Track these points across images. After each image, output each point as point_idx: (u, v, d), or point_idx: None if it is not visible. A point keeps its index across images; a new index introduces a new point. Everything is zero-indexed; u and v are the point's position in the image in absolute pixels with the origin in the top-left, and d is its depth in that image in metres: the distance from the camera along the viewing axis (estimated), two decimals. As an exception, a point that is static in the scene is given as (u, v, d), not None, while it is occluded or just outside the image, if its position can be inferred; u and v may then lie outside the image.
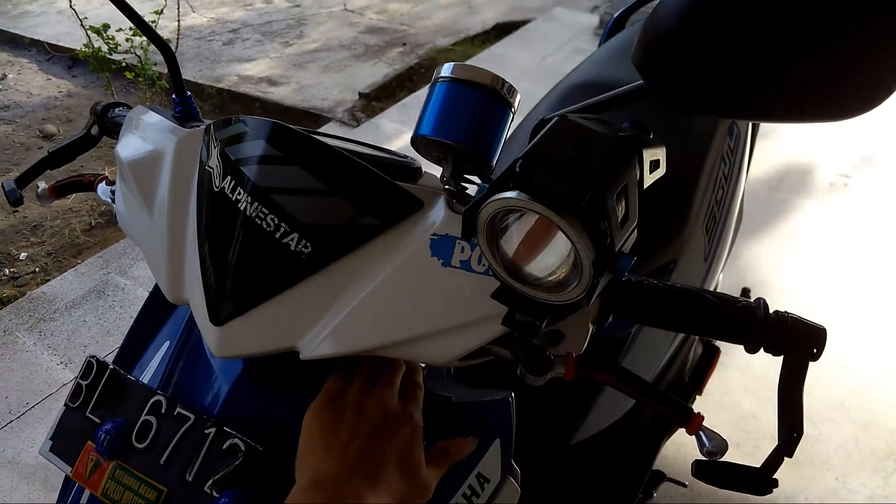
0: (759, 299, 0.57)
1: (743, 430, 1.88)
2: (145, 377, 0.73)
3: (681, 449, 1.80)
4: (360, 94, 3.92)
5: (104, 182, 0.90)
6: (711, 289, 1.39)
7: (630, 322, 0.78)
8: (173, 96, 0.79)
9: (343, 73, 4.25)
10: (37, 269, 2.67)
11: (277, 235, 0.58)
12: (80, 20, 3.14)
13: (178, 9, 3.56)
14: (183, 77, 0.80)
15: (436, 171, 0.65)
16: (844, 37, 0.41)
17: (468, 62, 4.16)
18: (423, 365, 0.68)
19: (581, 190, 0.41)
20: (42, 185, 0.98)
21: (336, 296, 0.59)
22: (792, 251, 2.58)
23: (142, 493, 0.61)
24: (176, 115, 0.78)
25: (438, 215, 0.58)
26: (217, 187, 0.61)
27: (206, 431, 0.61)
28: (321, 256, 0.58)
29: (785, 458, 0.55)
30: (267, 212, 0.58)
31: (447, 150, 0.59)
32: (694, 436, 0.58)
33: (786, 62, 0.42)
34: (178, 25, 3.59)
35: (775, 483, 0.55)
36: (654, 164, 0.47)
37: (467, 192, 0.61)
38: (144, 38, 3.07)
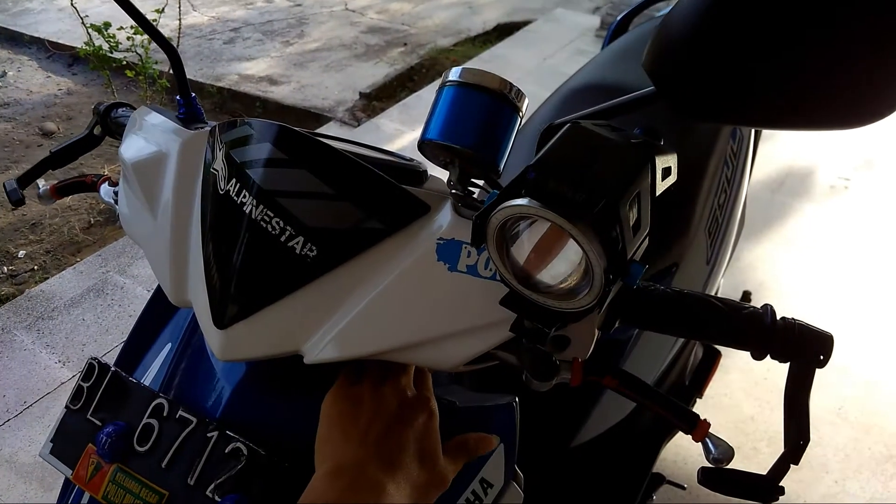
0: (765, 306, 0.56)
1: (742, 433, 1.88)
2: (147, 379, 0.73)
3: (680, 451, 1.80)
4: (360, 93, 3.91)
5: (107, 183, 0.90)
6: (713, 292, 1.39)
7: (636, 327, 0.78)
8: (177, 97, 0.78)
9: (344, 72, 4.25)
10: (35, 268, 2.67)
11: (283, 239, 0.57)
12: (81, 18, 3.14)
13: (180, 7, 3.55)
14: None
15: (441, 174, 0.64)
16: (856, 46, 0.41)
17: (470, 63, 4.17)
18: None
19: (594, 198, 0.40)
20: (44, 184, 0.97)
21: (341, 300, 0.59)
22: (792, 254, 2.58)
23: (143, 497, 0.61)
24: (180, 117, 0.78)
25: (445, 219, 0.58)
26: (222, 190, 0.60)
27: (209, 435, 0.60)
28: (326, 260, 0.58)
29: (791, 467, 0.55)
30: (272, 215, 0.57)
31: (454, 154, 0.58)
32: (700, 442, 0.58)
33: (799, 70, 0.42)
34: (180, 24, 3.59)
35: (781, 490, 0.54)
36: (666, 172, 0.46)
37: (474, 196, 0.61)
38: (145, 37, 3.07)
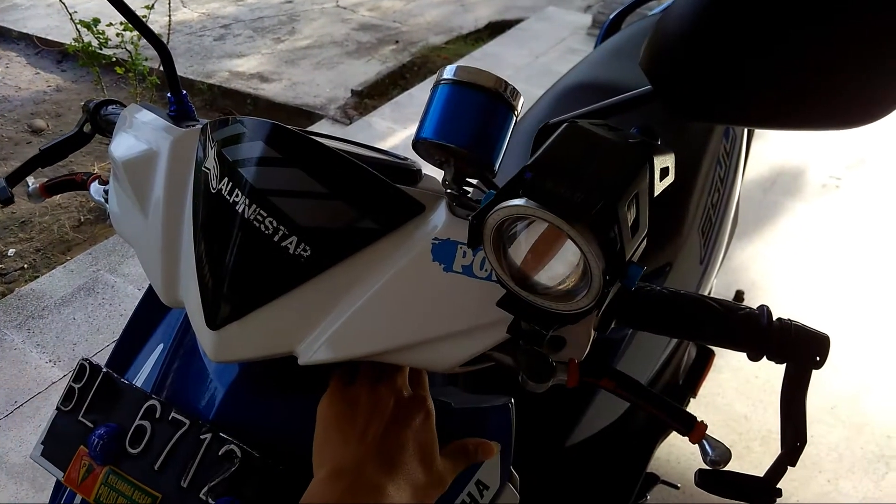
0: (762, 307, 0.56)
1: (735, 432, 1.89)
2: (139, 380, 0.72)
3: (673, 451, 1.81)
4: (352, 91, 3.90)
5: (97, 181, 0.89)
6: (706, 292, 1.39)
7: (632, 328, 0.78)
8: (168, 95, 0.78)
9: (335, 70, 4.23)
10: (25, 266, 2.65)
11: (276, 238, 0.57)
12: (70, 14, 3.11)
13: (170, 4, 3.52)
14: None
15: (436, 173, 0.64)
16: (852, 46, 0.41)
17: (461, 61, 4.16)
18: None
19: (592, 198, 0.40)
20: (33, 182, 0.96)
21: (335, 300, 0.58)
22: (785, 253, 2.59)
23: (135, 500, 0.60)
24: (171, 114, 0.77)
25: (440, 219, 0.58)
26: (214, 188, 0.60)
27: (202, 437, 0.60)
28: (320, 260, 0.57)
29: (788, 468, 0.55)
30: (265, 214, 0.57)
31: (449, 153, 0.58)
32: (697, 444, 0.57)
33: (796, 70, 0.42)
34: (170, 20, 3.56)
35: (779, 492, 0.54)
36: (664, 172, 0.46)
37: (469, 195, 0.60)
38: (135, 33, 3.05)
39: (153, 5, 3.06)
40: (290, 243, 0.57)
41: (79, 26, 3.05)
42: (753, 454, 1.81)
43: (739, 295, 1.95)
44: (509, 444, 0.70)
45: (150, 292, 0.78)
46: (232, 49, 4.56)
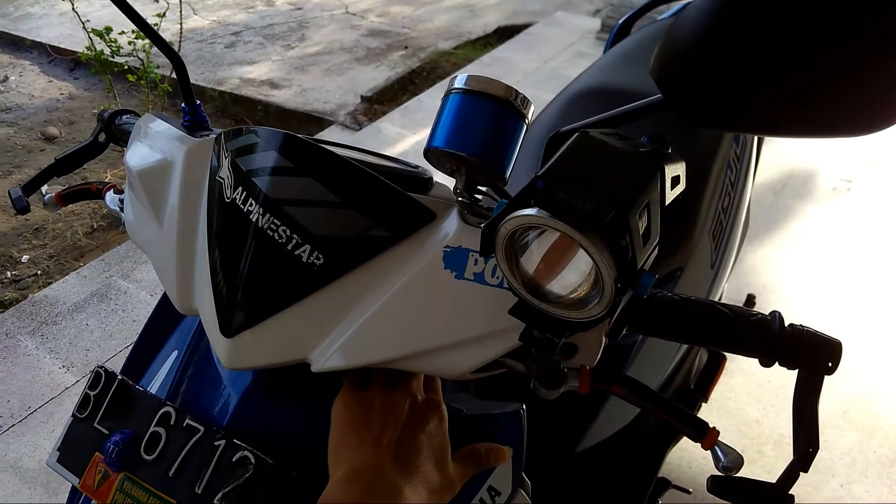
0: (773, 312, 0.56)
1: (747, 436, 1.88)
2: (153, 387, 0.73)
3: (685, 455, 1.80)
4: (361, 97, 3.92)
5: (112, 190, 0.90)
6: (717, 296, 1.39)
7: (643, 334, 0.78)
8: (182, 105, 0.78)
9: (345, 76, 4.25)
10: (39, 272, 2.67)
11: (289, 247, 0.57)
12: (83, 22, 3.14)
13: (181, 12, 3.55)
14: None
15: (447, 181, 0.64)
16: (864, 53, 0.41)
17: (470, 66, 4.17)
18: None
19: (603, 207, 0.40)
20: (48, 191, 0.97)
21: (348, 308, 0.59)
22: (796, 256, 2.58)
23: None
24: (185, 124, 0.78)
25: (451, 227, 0.58)
26: (228, 198, 0.60)
27: (216, 443, 0.60)
28: (333, 268, 0.58)
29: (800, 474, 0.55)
30: (279, 223, 0.57)
31: (461, 162, 0.58)
32: (709, 450, 0.57)
33: (807, 79, 0.42)
34: (181, 28, 3.59)
35: (791, 499, 0.54)
36: (675, 180, 0.46)
37: (480, 203, 0.61)
38: (147, 41, 3.07)
39: (164, 13, 3.08)
40: (304, 252, 0.57)
41: (91, 35, 3.08)
42: (766, 458, 1.80)
43: (751, 299, 1.94)
44: (521, 451, 0.70)
45: (164, 300, 0.79)
46: (242, 56, 4.59)
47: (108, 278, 2.45)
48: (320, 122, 3.71)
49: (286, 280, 0.58)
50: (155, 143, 0.74)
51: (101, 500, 0.63)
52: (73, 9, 3.12)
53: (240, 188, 0.60)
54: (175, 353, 0.75)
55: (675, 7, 1.94)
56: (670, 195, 0.46)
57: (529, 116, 0.60)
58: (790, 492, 0.54)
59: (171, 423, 0.63)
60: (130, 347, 0.79)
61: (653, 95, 0.54)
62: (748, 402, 1.98)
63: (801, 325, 0.55)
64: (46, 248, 2.81)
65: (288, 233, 0.57)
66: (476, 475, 0.62)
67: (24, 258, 2.75)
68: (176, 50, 0.77)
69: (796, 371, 0.55)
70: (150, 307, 2.32)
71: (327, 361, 0.58)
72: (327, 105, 3.86)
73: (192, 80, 0.79)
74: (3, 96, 4.20)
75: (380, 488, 0.52)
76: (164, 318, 0.79)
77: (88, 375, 0.69)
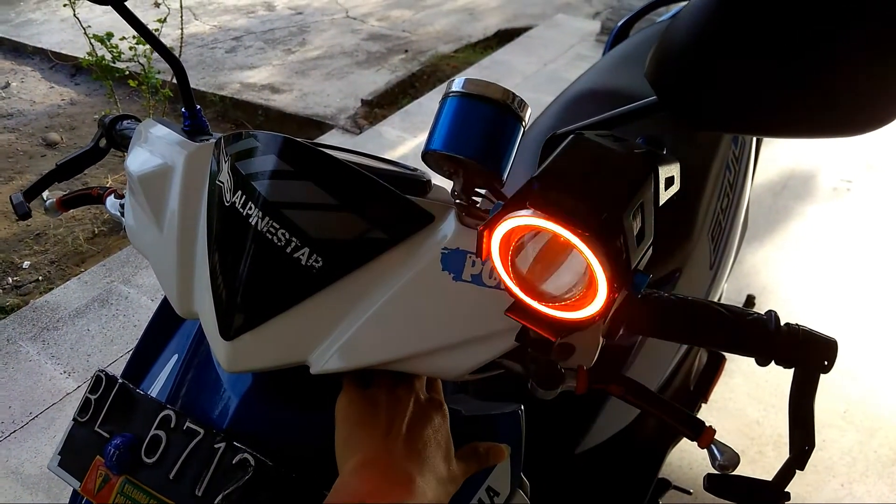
0: (769, 312, 0.57)
1: (747, 437, 1.88)
2: (154, 391, 0.73)
3: (685, 456, 1.80)
4: (362, 101, 3.93)
5: (113, 195, 0.90)
6: (716, 297, 1.39)
7: (640, 335, 0.78)
8: (183, 110, 0.79)
9: (345, 80, 4.26)
10: (40, 278, 2.68)
11: (288, 250, 0.58)
12: (84, 28, 3.15)
13: (181, 17, 3.56)
14: None
15: (445, 183, 0.65)
16: (856, 55, 0.41)
17: (470, 69, 4.18)
18: None
19: (597, 209, 0.41)
20: (49, 197, 0.98)
21: (347, 310, 0.59)
22: (796, 257, 2.58)
23: None
24: (185, 129, 0.78)
25: (449, 229, 0.58)
26: (228, 202, 0.61)
27: (216, 446, 0.61)
28: (332, 271, 0.58)
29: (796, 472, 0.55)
30: (278, 226, 0.58)
31: (458, 164, 0.59)
32: (705, 449, 0.58)
33: (800, 79, 0.43)
34: (182, 33, 3.60)
35: (787, 496, 0.55)
36: (669, 181, 0.47)
37: (478, 205, 0.61)
38: (148, 47, 3.09)
39: (165, 19, 3.10)
40: (303, 255, 0.58)
41: (92, 41, 3.09)
42: (766, 459, 1.80)
43: (750, 299, 1.94)
44: (519, 451, 0.70)
45: (164, 304, 0.79)
46: (243, 61, 4.61)
47: (110, 283, 2.46)
48: (321, 126, 3.71)
49: (285, 283, 0.59)
50: (155, 147, 0.75)
51: (102, 503, 0.63)
52: (74, 15, 3.13)
53: (239, 192, 0.60)
54: (175, 357, 0.75)
55: (673, 9, 1.95)
56: (664, 196, 0.46)
57: (526, 119, 0.60)
58: (786, 489, 0.55)
59: (172, 426, 0.63)
60: (131, 352, 0.79)
61: (650, 97, 0.54)
62: (748, 403, 1.98)
63: (796, 325, 0.56)
64: (48, 254, 2.82)
65: (287, 236, 0.57)
66: (475, 475, 0.63)
67: (26, 264, 2.75)
68: (177, 55, 0.78)
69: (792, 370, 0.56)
70: (151, 312, 2.30)
71: (326, 363, 0.58)
72: (328, 109, 3.87)
73: (193, 85, 0.79)
74: (5, 102, 4.22)
75: (394, 475, 0.53)
76: (165, 322, 0.79)
77: (89, 380, 0.69)
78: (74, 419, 0.68)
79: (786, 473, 0.55)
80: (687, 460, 1.80)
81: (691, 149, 1.23)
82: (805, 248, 2.63)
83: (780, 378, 2.07)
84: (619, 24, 1.80)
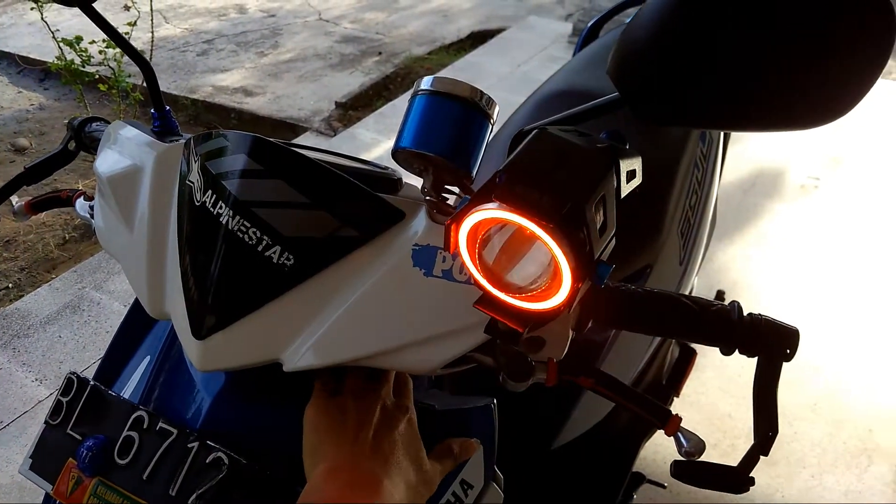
0: (733, 302, 0.58)
1: (719, 430, 1.91)
2: (126, 393, 0.73)
3: (659, 450, 1.82)
4: (336, 103, 3.92)
5: (82, 197, 0.90)
6: (687, 292, 1.42)
7: (609, 327, 0.80)
8: (152, 111, 0.79)
9: (319, 82, 4.25)
10: (10, 285, 2.63)
11: (260, 248, 0.58)
12: (52, 32, 3.11)
13: (152, 20, 3.53)
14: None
15: (416, 181, 0.66)
16: (810, 51, 0.43)
17: (444, 70, 4.19)
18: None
19: (560, 201, 0.42)
20: (18, 201, 0.97)
21: (319, 307, 0.59)
22: (765, 253, 2.62)
23: None
24: (155, 130, 0.78)
25: (420, 226, 0.59)
26: (198, 201, 0.61)
27: (189, 446, 0.61)
28: (304, 269, 0.59)
29: (761, 457, 0.57)
30: (249, 225, 0.58)
31: (428, 161, 0.60)
32: (672, 437, 0.59)
33: (756, 74, 0.44)
34: (152, 37, 3.57)
35: (752, 481, 0.56)
36: (631, 174, 0.48)
37: (448, 202, 0.62)
38: (118, 50, 3.05)
39: (136, 22, 3.06)
40: (274, 253, 0.58)
41: (61, 44, 3.05)
42: (738, 452, 1.82)
43: (720, 295, 1.97)
44: (492, 444, 0.71)
45: (135, 306, 0.79)
46: (215, 64, 4.57)
47: (81, 290, 2.42)
48: (294, 128, 3.70)
49: (257, 281, 0.59)
50: (124, 149, 0.74)
51: (75, 504, 0.63)
52: (42, 18, 3.09)
53: (209, 191, 0.60)
54: (147, 359, 0.75)
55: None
56: (626, 188, 0.48)
57: (494, 116, 0.61)
58: (751, 475, 0.56)
59: (145, 426, 0.63)
60: (103, 354, 0.79)
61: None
62: (720, 397, 2.01)
63: (759, 315, 0.57)
64: (17, 261, 2.77)
65: (258, 234, 0.58)
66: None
67: (-5, 271, 2.71)
68: (147, 58, 0.78)
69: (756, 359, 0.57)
70: (122, 318, 2.29)
71: (299, 361, 0.58)
72: (302, 112, 3.86)
73: (164, 89, 0.79)
74: (-29, 108, 4.14)
75: (360, 481, 0.53)
76: (136, 325, 0.79)
77: (61, 382, 0.68)
78: (46, 422, 0.67)
79: (750, 459, 0.56)
80: (662, 455, 1.82)
81: (659, 147, 1.26)
82: (774, 244, 2.68)
83: (750, 372, 2.10)
84: (589, 25, 1.82)
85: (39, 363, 2.13)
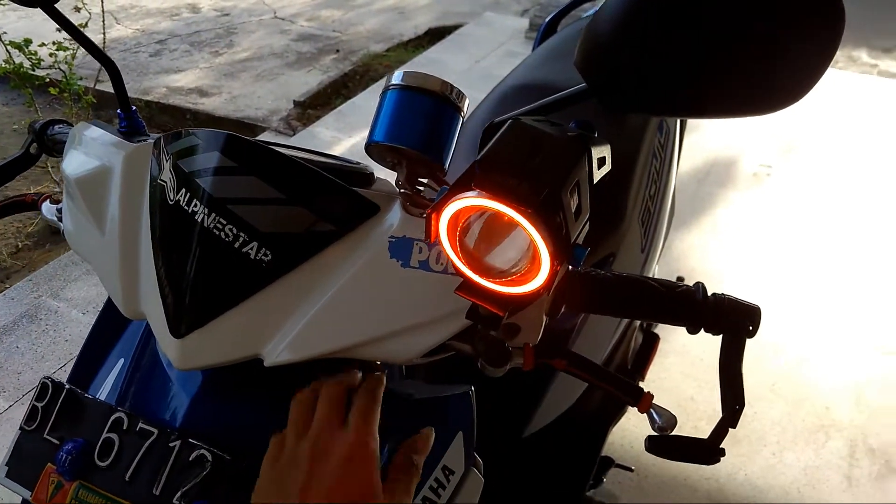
0: (697, 283, 0.61)
1: (683, 413, 1.96)
2: (102, 395, 0.72)
3: (627, 435, 1.87)
4: (294, 102, 3.89)
5: (48, 201, 0.88)
6: (650, 279, 1.45)
7: (581, 311, 0.82)
8: (118, 111, 0.78)
9: (276, 81, 4.21)
10: (-38, 296, 2.55)
11: (236, 245, 0.58)
12: (-2, 35, 3.02)
13: (104, 21, 3.45)
14: (108, 90, 0.80)
15: (388, 176, 0.67)
16: (766, 40, 0.46)
17: (404, 67, 4.19)
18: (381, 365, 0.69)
19: (538, 187, 0.44)
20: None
21: (298, 302, 0.60)
22: (721, 240, 2.70)
23: None
24: (122, 130, 0.78)
25: (395, 218, 0.60)
26: (171, 200, 0.61)
27: (171, 444, 0.61)
28: (281, 264, 0.59)
29: (729, 430, 0.59)
30: (225, 222, 0.58)
31: (401, 155, 0.61)
32: (645, 414, 0.62)
33: (716, 63, 0.47)
34: (104, 38, 3.49)
35: (722, 452, 0.59)
36: (601, 161, 0.50)
37: (422, 194, 0.63)
38: (68, 53, 2.98)
39: (87, 24, 2.99)
40: (251, 249, 0.58)
41: (9, 47, 2.96)
42: (702, 433, 1.86)
43: (680, 280, 2.03)
44: (471, 430, 0.73)
45: (107, 308, 0.78)
46: (169, 64, 4.49)
47: (37, 299, 2.37)
48: (253, 128, 3.66)
49: (234, 278, 0.59)
50: (91, 150, 0.73)
51: (56, 510, 0.62)
52: (-15, 20, 2.99)
53: (183, 190, 0.60)
54: (122, 361, 0.74)
55: (598, 5, 2.01)
56: (598, 174, 0.50)
57: (465, 110, 0.63)
58: (721, 446, 0.59)
59: (124, 428, 0.63)
60: (74, 360, 0.78)
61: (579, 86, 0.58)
62: (683, 381, 2.07)
63: (722, 294, 0.60)
64: (-31, 271, 2.69)
65: (234, 231, 0.58)
66: (430, 455, 0.64)
67: (-55, 282, 2.62)
68: (110, 57, 0.77)
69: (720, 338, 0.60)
70: (82, 325, 2.24)
71: (279, 356, 0.59)
72: (259, 111, 3.82)
73: (115, 91, 0.78)
74: (-88, 114, 3.99)
75: None
76: (109, 326, 0.78)
77: (35, 387, 0.68)
78: (21, 428, 0.66)
79: (720, 431, 0.59)
80: (629, 439, 1.86)
81: (619, 138, 1.29)
82: (729, 231, 2.76)
83: (713, 357, 2.15)
84: (547, 20, 1.85)
85: (-3, 374, 2.07)
